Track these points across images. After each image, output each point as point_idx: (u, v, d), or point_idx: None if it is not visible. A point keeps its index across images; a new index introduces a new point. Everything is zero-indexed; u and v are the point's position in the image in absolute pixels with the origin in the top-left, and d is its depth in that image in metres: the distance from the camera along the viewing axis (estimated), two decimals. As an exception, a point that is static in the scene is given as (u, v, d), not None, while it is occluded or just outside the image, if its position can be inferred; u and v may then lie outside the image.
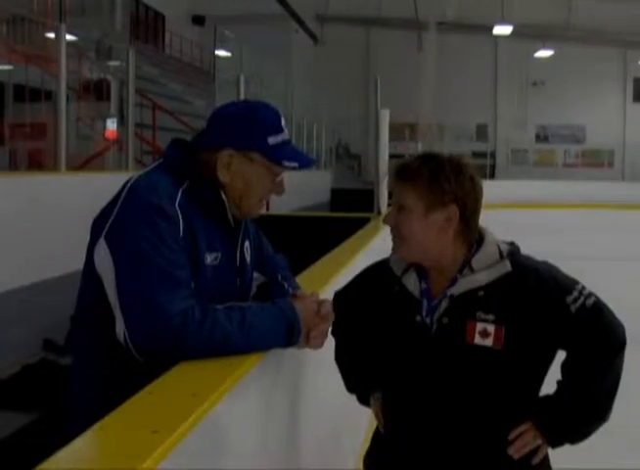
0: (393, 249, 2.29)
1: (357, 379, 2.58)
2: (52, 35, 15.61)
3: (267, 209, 12.25)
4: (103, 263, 2.06)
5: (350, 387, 2.61)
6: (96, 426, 1.52)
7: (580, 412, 2.22)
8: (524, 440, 2.21)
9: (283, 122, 2.30)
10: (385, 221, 2.26)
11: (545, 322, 2.15)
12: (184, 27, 27.99)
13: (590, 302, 2.17)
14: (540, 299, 2.15)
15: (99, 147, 11.84)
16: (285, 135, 2.28)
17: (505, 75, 32.82)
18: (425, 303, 2.25)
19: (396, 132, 24.03)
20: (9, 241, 5.99)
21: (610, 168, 32.74)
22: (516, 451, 2.21)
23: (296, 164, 2.25)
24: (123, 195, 2.12)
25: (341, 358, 2.57)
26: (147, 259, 1.99)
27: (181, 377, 1.87)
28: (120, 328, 1.99)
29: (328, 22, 32.69)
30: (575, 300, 2.15)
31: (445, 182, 2.17)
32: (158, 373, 1.85)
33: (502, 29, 28.33)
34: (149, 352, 1.97)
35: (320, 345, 2.27)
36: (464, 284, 2.19)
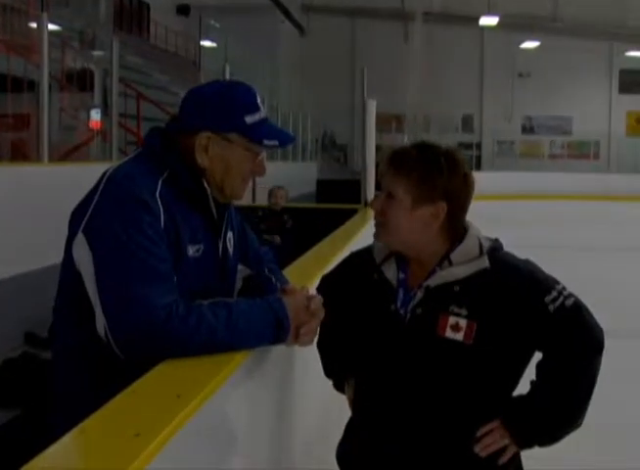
0: (375, 234, 2.26)
1: (334, 364, 2.56)
2: (35, 25, 15.52)
3: (253, 200, 12.22)
4: (82, 259, 1.99)
5: (328, 372, 2.59)
6: (77, 429, 1.45)
7: (552, 415, 2.18)
8: (491, 438, 2.18)
9: (259, 100, 2.22)
10: (371, 206, 2.24)
11: (521, 321, 2.13)
12: (169, 17, 27.78)
13: (570, 302, 2.14)
14: (517, 297, 2.12)
15: (82, 137, 11.72)
16: (262, 113, 2.21)
17: (491, 66, 32.81)
18: (401, 292, 2.23)
19: (383, 123, 23.89)
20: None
21: (595, 160, 32.81)
22: (482, 449, 2.18)
23: (276, 143, 2.20)
24: (102, 186, 2.05)
25: (322, 343, 2.51)
26: (127, 253, 1.92)
27: (165, 376, 1.80)
28: (101, 324, 1.92)
29: (314, 12, 32.62)
30: (554, 299, 2.12)
31: (438, 178, 2.15)
32: (141, 370, 1.79)
33: (488, 20, 28.36)
34: (131, 348, 1.89)
35: (310, 342, 2.20)
36: (440, 277, 2.17)
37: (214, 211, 2.21)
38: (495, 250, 2.20)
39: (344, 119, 29.99)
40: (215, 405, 1.72)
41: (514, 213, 15.82)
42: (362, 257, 2.39)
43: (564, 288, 2.16)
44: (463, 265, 2.16)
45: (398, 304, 2.22)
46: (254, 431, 2.21)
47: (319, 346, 2.53)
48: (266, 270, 2.45)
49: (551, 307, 2.10)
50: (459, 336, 2.12)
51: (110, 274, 1.93)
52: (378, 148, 11.43)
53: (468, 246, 2.19)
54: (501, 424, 2.18)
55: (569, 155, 33.42)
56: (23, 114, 11.05)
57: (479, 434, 2.18)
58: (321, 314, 2.20)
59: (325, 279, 2.56)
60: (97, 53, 13.85)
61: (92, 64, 13.02)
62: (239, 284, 2.42)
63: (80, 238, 1.99)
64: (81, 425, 1.47)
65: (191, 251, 2.11)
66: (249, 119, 2.16)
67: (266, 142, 2.18)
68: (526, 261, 2.22)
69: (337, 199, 11.16)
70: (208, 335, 1.90)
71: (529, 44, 31.31)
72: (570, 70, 31.55)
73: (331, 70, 30.67)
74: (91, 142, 11.44)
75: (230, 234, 2.34)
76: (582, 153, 33.39)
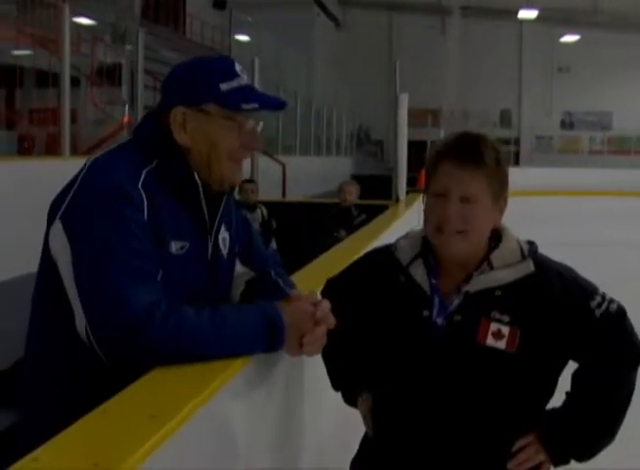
0: (445, 245, 2.00)
1: (345, 376, 2.34)
2: (74, 19, 15.54)
3: (284, 195, 12.08)
4: (59, 249, 1.85)
5: (337, 385, 2.36)
6: (29, 457, 1.27)
7: (589, 428, 2.05)
8: (526, 453, 2.03)
9: (238, 68, 2.04)
10: (448, 217, 1.95)
11: (566, 327, 1.99)
12: (206, 12, 27.75)
13: (614, 307, 2.02)
14: (563, 303, 1.99)
15: (110, 131, 11.67)
16: (242, 80, 2.01)
17: (530, 61, 32.51)
18: (436, 300, 2.03)
19: (418, 118, 23.71)
20: (11, 226, 5.80)
21: (637, 156, 32.30)
22: (517, 466, 2.03)
23: (255, 105, 2.00)
24: (82, 174, 1.91)
25: (328, 353, 2.28)
26: (108, 249, 1.79)
27: (144, 391, 1.62)
28: (82, 323, 1.78)
29: (350, 5, 32.53)
30: (599, 304, 2.00)
31: (506, 165, 2.01)
32: (124, 375, 1.67)
33: (527, 14, 28.07)
34: (113, 350, 1.77)
35: (316, 351, 2.01)
36: (482, 282, 2.00)
37: (205, 206, 2.03)
38: (535, 253, 2.05)
39: (381, 114, 29.76)
40: (195, 428, 1.53)
41: (553, 210, 15.58)
42: (382, 257, 2.17)
43: (604, 293, 2.04)
44: (505, 269, 2.00)
45: (434, 312, 2.02)
46: (254, 448, 2.01)
47: (324, 356, 2.31)
48: (273, 273, 2.26)
49: (597, 313, 1.99)
50: (501, 344, 1.96)
51: (89, 271, 1.80)
52: (412, 143, 11.28)
53: (508, 248, 2.03)
54: (536, 439, 2.03)
55: (608, 151, 33.03)
56: (56, 108, 11.05)
57: (514, 448, 2.03)
58: (329, 322, 2.00)
59: (333, 283, 2.33)
60: (128, 47, 13.78)
61: (123, 58, 12.96)
62: (241, 287, 2.23)
63: (58, 227, 1.85)
64: (38, 450, 1.29)
65: (174, 247, 1.95)
66: (224, 87, 1.97)
67: (244, 106, 1.98)
68: (565, 265, 2.09)
69: (371, 194, 10.96)
70: (191, 338, 1.76)
71: (569, 38, 30.94)
72: (610, 64, 31.18)
73: (367, 63, 30.53)
74: (118, 135, 11.35)
75: (226, 234, 2.15)
76: (622, 149, 32.97)
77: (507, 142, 32.00)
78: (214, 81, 1.98)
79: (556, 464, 2.08)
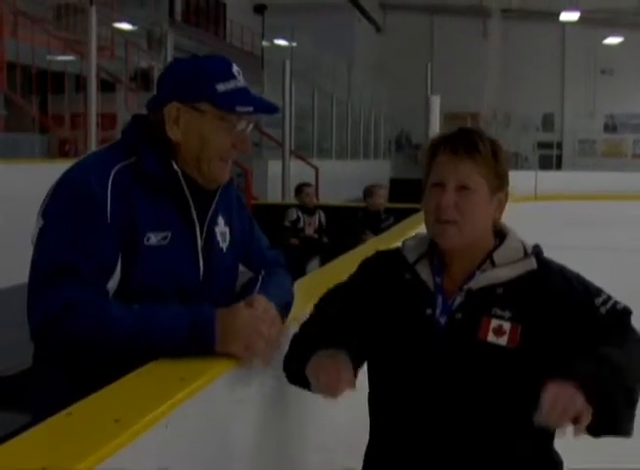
0: (440, 236, 2.00)
1: (308, 342, 2.09)
2: (114, 25, 15.70)
3: (317, 198, 12.04)
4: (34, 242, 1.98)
5: (292, 356, 2.12)
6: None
7: (622, 366, 1.82)
8: (560, 401, 1.71)
9: (235, 70, 2.09)
10: (443, 205, 1.95)
11: (569, 323, 1.96)
12: (246, 16, 27.87)
13: (621, 305, 2.01)
14: (566, 299, 1.98)
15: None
16: (238, 82, 2.06)
17: (572, 63, 32.19)
18: (439, 299, 2.03)
19: (458, 121, 23.55)
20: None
21: (682, 159, 31.85)
22: (552, 417, 1.71)
23: (250, 109, 2.04)
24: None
25: (305, 328, 2.17)
26: (47, 243, 1.91)
27: (114, 394, 1.58)
28: None
29: (391, 9, 32.48)
30: (605, 302, 1.98)
31: (504, 159, 2.03)
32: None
33: (569, 16, 27.72)
34: (40, 338, 1.92)
35: (262, 364, 1.96)
36: (484, 279, 2.01)
37: (189, 195, 2.05)
38: (540, 253, 2.06)
39: (420, 118, 29.66)
40: (159, 433, 1.48)
41: (597, 214, 15.36)
42: (390, 256, 2.19)
43: (610, 294, 2.02)
44: (507, 267, 2.01)
45: (437, 311, 2.02)
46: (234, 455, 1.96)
47: (294, 340, 2.15)
48: (262, 273, 2.23)
49: (602, 309, 1.97)
50: (502, 340, 1.95)
51: (32, 264, 1.92)
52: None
53: (511, 247, 2.04)
54: (569, 380, 1.75)
55: (653, 154, 32.57)
56: (106, 114, 11.18)
57: (541, 401, 1.71)
58: (275, 341, 1.97)
59: (341, 287, 2.25)
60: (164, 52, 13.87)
61: (159, 62, 13.05)
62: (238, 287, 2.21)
63: (38, 221, 1.96)
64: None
65: (154, 239, 1.99)
66: (220, 88, 2.02)
67: (238, 109, 2.03)
68: (570, 269, 2.07)
69: (410, 198, 10.89)
70: (107, 332, 1.84)
71: (612, 40, 30.49)
72: (655, 66, 30.73)
73: (408, 67, 30.35)
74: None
75: (225, 229, 2.17)
76: (667, 152, 32.50)
77: (549, 146, 31.73)
78: (211, 81, 2.02)
79: (599, 412, 1.74)
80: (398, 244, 2.15)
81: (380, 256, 2.24)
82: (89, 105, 7.04)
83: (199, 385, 1.67)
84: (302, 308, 2.28)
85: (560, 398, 1.71)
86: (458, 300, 2.01)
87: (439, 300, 2.03)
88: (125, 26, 17.03)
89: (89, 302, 1.84)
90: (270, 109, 2.12)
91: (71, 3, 13.27)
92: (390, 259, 2.16)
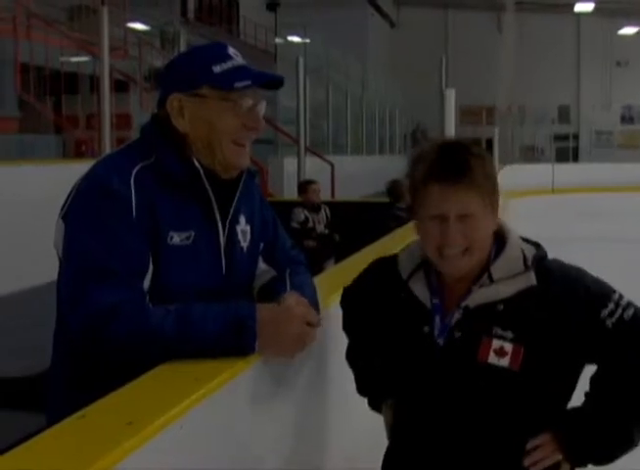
0: (448, 266, 1.90)
1: (369, 382, 2.26)
2: (128, 24, 15.75)
3: (332, 195, 12.02)
4: (59, 245, 1.95)
5: (361, 389, 2.29)
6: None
7: (609, 431, 1.91)
8: (542, 452, 1.91)
9: (231, 51, 2.06)
10: (450, 242, 1.84)
11: (574, 341, 1.88)
12: (259, 14, 27.88)
13: (629, 313, 1.88)
14: (570, 316, 1.87)
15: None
16: (236, 62, 2.03)
17: (588, 55, 32.05)
18: (437, 319, 1.95)
19: (473, 116, 23.58)
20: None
21: (700, 150, 31.64)
22: (532, 463, 1.91)
23: (248, 82, 1.99)
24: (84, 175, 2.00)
25: (352, 358, 2.26)
26: (80, 246, 1.87)
27: (128, 395, 1.57)
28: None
29: (404, 4, 32.39)
30: (612, 313, 1.87)
31: (489, 159, 1.90)
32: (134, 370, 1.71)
33: (584, 7, 27.68)
34: (86, 343, 1.86)
35: (289, 356, 1.96)
36: (481, 296, 1.91)
37: (211, 193, 2.02)
38: (541, 260, 1.94)
39: (436, 112, 29.60)
40: (173, 437, 1.47)
41: (614, 206, 15.25)
42: (387, 268, 2.08)
43: (620, 296, 1.90)
44: (506, 282, 1.89)
45: (435, 328, 1.94)
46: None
47: (348, 360, 2.27)
48: (287, 272, 2.21)
49: (609, 323, 1.86)
50: (504, 362, 1.87)
51: (64, 268, 1.91)
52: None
53: (510, 258, 1.92)
54: (553, 438, 1.92)
55: (670, 145, 32.37)
56: (121, 114, 11.18)
57: (528, 447, 1.92)
58: (313, 337, 1.98)
59: (348, 291, 2.27)
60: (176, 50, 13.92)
61: (172, 61, 13.06)
62: (262, 282, 2.20)
63: (60, 224, 1.95)
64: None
65: (177, 239, 1.96)
66: (216, 69, 1.99)
67: (237, 84, 1.98)
68: (578, 270, 1.95)
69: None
70: (153, 334, 1.81)
71: (628, 30, 30.38)
72: (671, 56, 30.56)
73: (422, 62, 30.30)
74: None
75: (246, 227, 2.15)
76: (685, 142, 32.29)
77: (565, 138, 31.59)
78: (207, 64, 2.00)
79: (574, 466, 1.96)
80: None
81: (375, 269, 2.18)
82: (102, 105, 7.03)
83: (214, 385, 1.65)
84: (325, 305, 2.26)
85: (542, 448, 1.91)
86: (456, 317, 1.93)
87: (437, 320, 1.95)
88: (138, 26, 17.13)
89: (132, 303, 1.82)
90: (272, 81, 2.08)
91: (84, 4, 13.30)
92: (386, 273, 2.08)
